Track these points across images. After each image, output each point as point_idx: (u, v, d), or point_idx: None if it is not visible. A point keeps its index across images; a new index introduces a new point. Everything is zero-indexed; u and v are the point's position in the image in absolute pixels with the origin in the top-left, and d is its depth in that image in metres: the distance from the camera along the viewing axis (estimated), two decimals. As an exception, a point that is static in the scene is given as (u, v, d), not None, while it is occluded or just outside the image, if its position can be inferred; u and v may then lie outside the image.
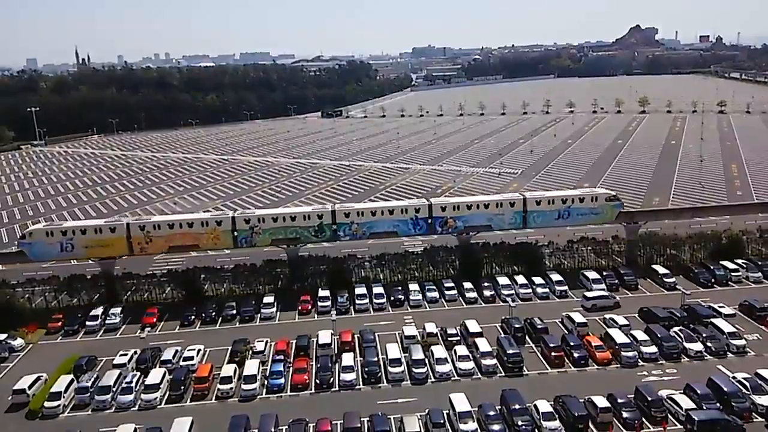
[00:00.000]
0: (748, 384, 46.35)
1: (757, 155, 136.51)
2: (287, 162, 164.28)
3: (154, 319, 64.54)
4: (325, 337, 56.98)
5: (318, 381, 51.31)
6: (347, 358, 53.43)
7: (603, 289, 66.41)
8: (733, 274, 68.52)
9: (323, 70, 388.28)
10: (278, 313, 65.81)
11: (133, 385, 50.60)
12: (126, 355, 55.74)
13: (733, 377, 47.89)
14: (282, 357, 54.52)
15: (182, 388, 50.64)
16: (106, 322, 64.37)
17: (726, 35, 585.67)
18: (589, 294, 64.88)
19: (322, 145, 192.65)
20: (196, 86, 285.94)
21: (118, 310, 65.83)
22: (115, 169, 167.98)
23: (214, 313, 65.09)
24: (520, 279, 68.97)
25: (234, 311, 65.54)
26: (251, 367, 52.36)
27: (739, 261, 70.64)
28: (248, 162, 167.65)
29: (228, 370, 52.30)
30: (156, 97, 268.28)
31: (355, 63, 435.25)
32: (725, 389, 45.56)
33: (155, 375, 51.71)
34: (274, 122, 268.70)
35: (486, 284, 68.54)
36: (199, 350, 56.89)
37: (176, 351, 56.52)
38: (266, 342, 57.51)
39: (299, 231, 71.45)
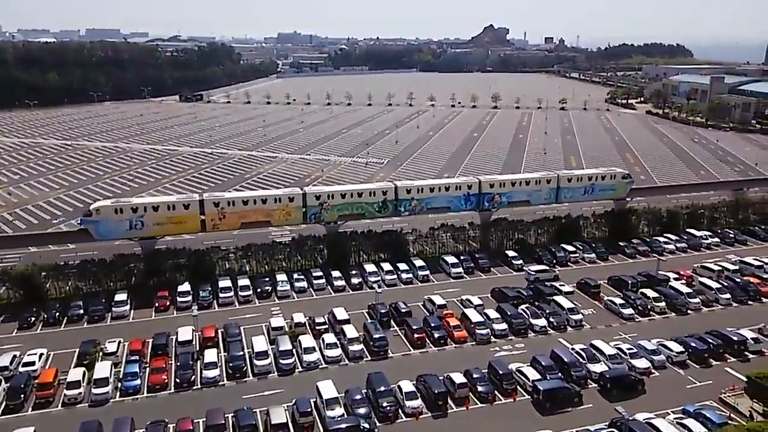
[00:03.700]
0: (584, 354, 51.82)
1: (591, 148, 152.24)
2: (141, 148, 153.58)
3: (-15, 324, 57.57)
4: (185, 333, 54.58)
5: (178, 380, 49.02)
6: (210, 355, 51.56)
7: (460, 273, 70.65)
8: (571, 255, 76.02)
9: (181, 50, 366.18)
10: (132, 311, 61.80)
11: (-41, 398, 44.92)
12: (-50, 364, 49.27)
13: (572, 348, 53.32)
14: (137, 357, 51.36)
15: (22, 396, 46.04)
16: (-77, 329, 56.32)
17: (568, 38, 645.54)
18: (532, 268, 70.12)
19: (180, 131, 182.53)
20: (34, 63, 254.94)
21: (-61, 314, 57.86)
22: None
23: (58, 314, 59.53)
24: (386, 266, 70.95)
25: (81, 310, 60.40)
26: (102, 369, 48.79)
27: (577, 243, 78.62)
28: (96, 148, 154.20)
29: (76, 374, 48.35)
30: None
31: (216, 45, 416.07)
32: (565, 360, 50.61)
33: (-13, 385, 46.28)
34: (126, 105, 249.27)
35: (354, 272, 69.63)
36: (42, 354, 51.87)
37: (14, 356, 51.11)
38: (119, 342, 53.82)
39: (364, 207, 75.08)
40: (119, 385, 48.30)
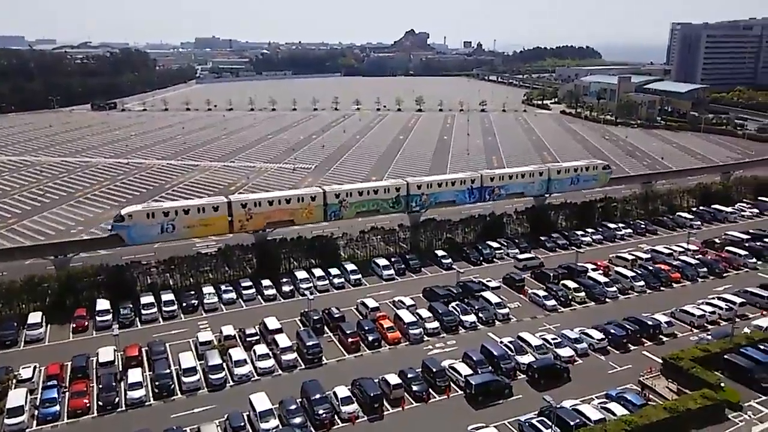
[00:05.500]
0: (512, 346, 53.51)
1: (511, 148, 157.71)
2: (51, 161, 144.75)
3: None
4: (106, 354, 52.04)
5: (101, 403, 46.70)
6: (134, 374, 49.32)
7: (392, 275, 71.18)
8: (496, 251, 78.36)
9: (92, 57, 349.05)
10: (47, 333, 58.19)
11: None
12: None
13: (501, 342, 54.92)
14: (55, 382, 48.45)
15: None
16: None
17: (485, 42, 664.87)
18: (520, 256, 75.04)
19: (94, 141, 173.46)
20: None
21: None
22: None
23: (-38, 342, 55.04)
24: (318, 271, 70.45)
25: (-10, 336, 56.11)
26: (16, 397, 45.78)
27: (501, 240, 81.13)
28: (1, 162, 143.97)
29: (-15, 406, 44.90)
30: None
31: (129, 51, 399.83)
32: (495, 353, 52.05)
33: None
34: (33, 116, 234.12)
35: (284, 280, 68.57)
36: (-56, 388, 47.75)
37: None
38: (34, 367, 50.54)
39: (380, 203, 78.70)
40: (36, 413, 45.44)
